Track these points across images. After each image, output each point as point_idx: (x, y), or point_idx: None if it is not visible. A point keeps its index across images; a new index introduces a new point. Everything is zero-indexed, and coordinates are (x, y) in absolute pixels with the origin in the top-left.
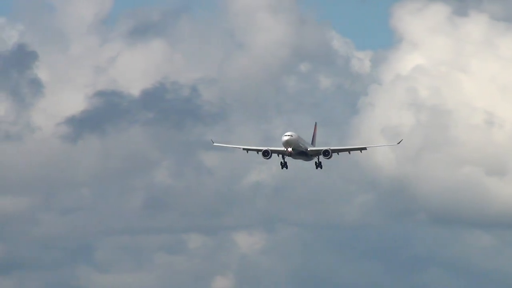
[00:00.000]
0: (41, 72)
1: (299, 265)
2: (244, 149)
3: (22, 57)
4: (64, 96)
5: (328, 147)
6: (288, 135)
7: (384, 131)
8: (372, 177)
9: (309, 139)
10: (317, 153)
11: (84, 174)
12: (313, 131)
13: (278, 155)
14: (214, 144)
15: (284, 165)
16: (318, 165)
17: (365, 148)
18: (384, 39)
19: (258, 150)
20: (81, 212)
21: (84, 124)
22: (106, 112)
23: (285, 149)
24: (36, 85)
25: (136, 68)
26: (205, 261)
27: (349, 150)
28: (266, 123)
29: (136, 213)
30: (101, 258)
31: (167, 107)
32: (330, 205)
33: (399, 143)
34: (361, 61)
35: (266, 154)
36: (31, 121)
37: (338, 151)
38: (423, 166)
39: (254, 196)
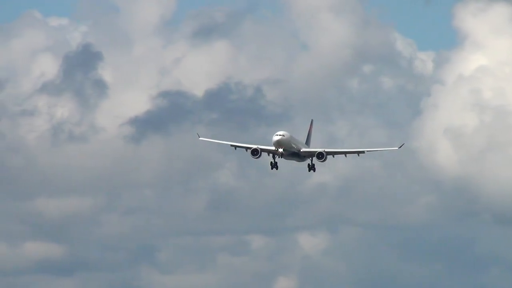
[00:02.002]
0: (106, 73)
1: (361, 266)
2: (232, 145)
3: (87, 58)
4: (128, 97)
5: (323, 149)
6: (280, 135)
7: (446, 132)
8: (435, 177)
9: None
10: (310, 154)
11: (148, 175)
12: (308, 129)
13: (269, 155)
14: (200, 138)
15: (274, 165)
16: (311, 167)
17: (363, 152)
18: (447, 40)
19: (247, 148)
20: (144, 213)
21: (147, 125)
22: (170, 113)
23: (276, 149)
24: (101, 86)
25: (200, 69)
26: (268, 262)
27: (345, 153)
28: (330, 124)
29: (199, 214)
30: (164, 259)
31: (231, 107)
32: (393, 206)
33: (400, 147)
34: (424, 62)
35: (256, 153)
36: (95, 122)
37: (333, 153)
38: (487, 167)
39: (317, 197)
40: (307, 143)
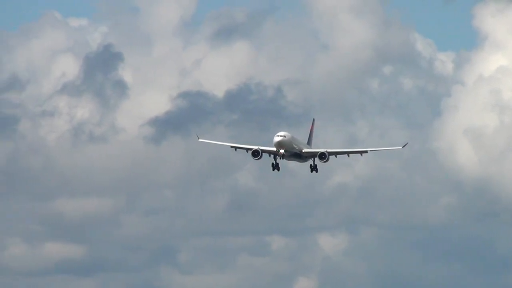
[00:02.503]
0: (126, 73)
1: (381, 266)
2: (232, 147)
3: (108, 59)
4: (148, 98)
5: (325, 150)
6: (281, 136)
7: (466, 133)
8: (455, 178)
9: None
10: (312, 155)
11: (168, 176)
12: (310, 129)
13: (270, 155)
14: (200, 140)
15: (275, 166)
16: (313, 168)
17: (366, 152)
18: (467, 40)
19: (247, 149)
20: (164, 213)
21: (168, 126)
22: (190, 114)
23: (277, 150)
24: (121, 87)
25: (220, 69)
26: (288, 262)
27: (348, 153)
28: (350, 124)
29: (219, 215)
30: (184, 259)
31: (251, 108)
32: (413, 206)
33: (404, 146)
34: (444, 62)
35: (256, 154)
36: (116, 123)
37: (336, 153)
38: (507, 167)
39: (337, 198)
40: (309, 143)
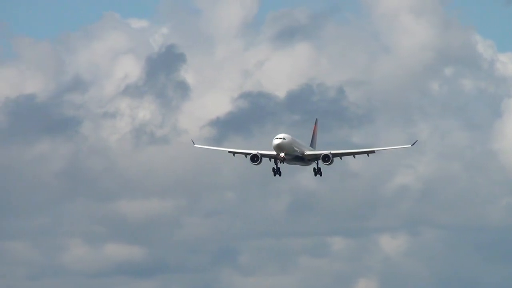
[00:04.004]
0: (188, 75)
1: (442, 268)
2: (230, 152)
3: (169, 60)
4: (210, 99)
5: (329, 151)
6: (280, 138)
7: None
8: None
9: (310, 141)
10: (315, 157)
11: (229, 177)
12: (312, 130)
13: (270, 160)
14: (195, 146)
15: (276, 171)
16: (317, 171)
17: (373, 152)
18: None
19: (246, 154)
20: (225, 215)
21: (229, 126)
22: (252, 114)
23: (277, 154)
24: (183, 88)
25: (281, 70)
26: (349, 263)
27: (354, 153)
28: (411, 126)
29: (280, 216)
30: (245, 261)
31: (313, 109)
32: (475, 208)
33: (413, 144)
34: (505, 63)
35: (255, 159)
36: (177, 124)
37: (341, 155)
38: None
39: (398, 199)
40: (312, 145)
